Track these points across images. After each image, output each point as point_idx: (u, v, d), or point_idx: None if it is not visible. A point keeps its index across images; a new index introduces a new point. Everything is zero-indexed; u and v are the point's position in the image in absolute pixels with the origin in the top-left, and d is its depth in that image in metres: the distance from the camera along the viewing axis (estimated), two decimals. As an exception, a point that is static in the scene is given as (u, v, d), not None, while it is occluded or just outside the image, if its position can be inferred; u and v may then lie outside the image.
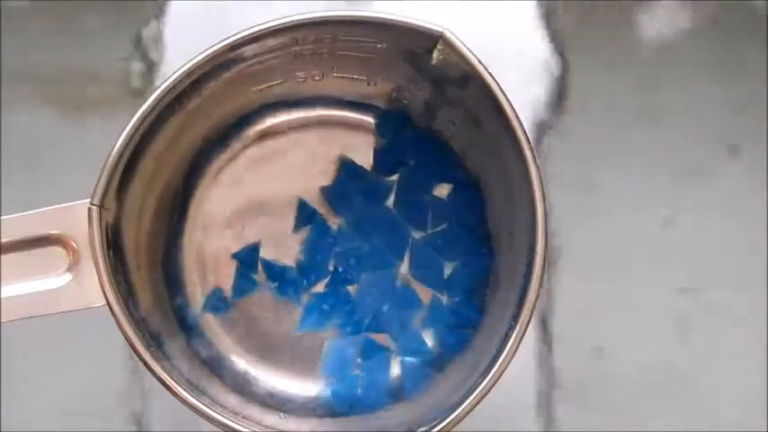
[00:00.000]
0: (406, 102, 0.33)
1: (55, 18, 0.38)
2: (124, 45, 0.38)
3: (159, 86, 0.27)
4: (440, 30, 0.27)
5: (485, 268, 0.32)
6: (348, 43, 0.29)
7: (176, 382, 0.27)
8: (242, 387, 0.32)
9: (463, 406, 0.26)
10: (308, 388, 0.33)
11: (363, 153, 0.33)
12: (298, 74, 0.32)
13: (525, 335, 0.27)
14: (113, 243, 0.27)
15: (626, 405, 0.37)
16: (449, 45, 0.27)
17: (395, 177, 0.33)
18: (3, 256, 0.27)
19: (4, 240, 0.27)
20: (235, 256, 0.33)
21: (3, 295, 0.27)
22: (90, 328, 0.35)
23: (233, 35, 0.27)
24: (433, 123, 0.33)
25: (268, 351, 0.33)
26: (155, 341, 0.28)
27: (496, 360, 0.27)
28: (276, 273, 0.33)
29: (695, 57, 0.38)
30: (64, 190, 0.28)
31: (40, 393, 0.36)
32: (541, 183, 0.27)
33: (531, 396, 0.37)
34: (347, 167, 0.33)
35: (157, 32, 0.37)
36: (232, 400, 0.30)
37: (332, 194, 0.33)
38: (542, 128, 0.38)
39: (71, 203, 0.27)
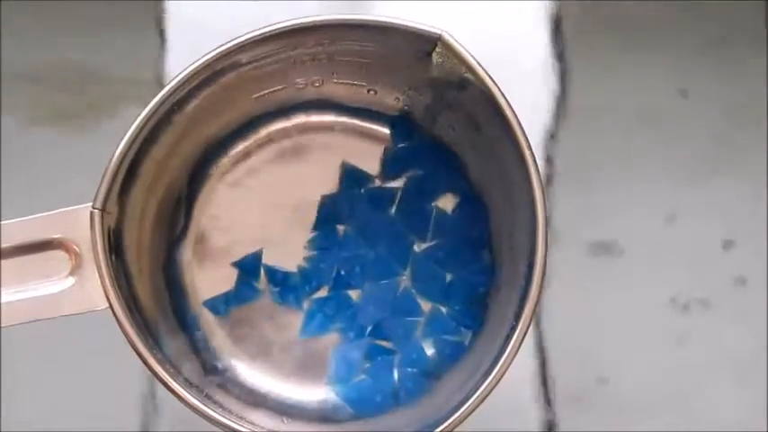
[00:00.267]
0: (407, 107, 0.33)
1: (57, 20, 0.38)
2: (128, 48, 0.38)
3: (159, 92, 0.27)
4: (438, 32, 0.27)
5: (486, 283, 0.32)
6: (347, 48, 0.30)
7: (180, 386, 0.27)
8: (243, 391, 0.32)
9: (467, 405, 0.26)
10: (310, 393, 0.32)
11: (366, 159, 0.33)
12: (297, 80, 0.32)
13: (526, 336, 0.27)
14: (115, 247, 0.28)
15: (625, 405, 0.37)
16: (447, 47, 0.28)
17: (399, 184, 0.33)
18: (5, 261, 0.27)
19: (6, 245, 0.27)
20: (236, 264, 0.33)
21: (6, 300, 0.27)
22: (94, 332, 0.35)
23: (230, 41, 0.28)
24: (433, 128, 0.33)
25: (270, 356, 0.33)
26: (157, 344, 0.28)
27: (499, 359, 0.27)
28: (278, 278, 0.33)
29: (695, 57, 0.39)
30: (65, 194, 0.28)
31: (43, 396, 0.36)
32: (541, 182, 0.27)
33: (530, 398, 0.37)
34: (350, 174, 0.33)
35: (161, 36, 0.38)
36: (234, 404, 0.30)
37: (336, 201, 0.33)
38: (541, 131, 0.38)
39: (73, 207, 0.27)
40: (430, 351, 0.32)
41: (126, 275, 0.28)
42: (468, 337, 0.32)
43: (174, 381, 0.27)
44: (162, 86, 0.27)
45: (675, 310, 0.37)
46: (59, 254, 0.27)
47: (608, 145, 0.38)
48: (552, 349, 0.37)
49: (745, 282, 0.38)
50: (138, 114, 0.27)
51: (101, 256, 0.27)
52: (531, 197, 0.27)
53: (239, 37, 0.28)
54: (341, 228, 0.33)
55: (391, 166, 0.33)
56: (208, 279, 0.33)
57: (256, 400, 0.32)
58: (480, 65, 0.28)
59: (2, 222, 0.27)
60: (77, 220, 0.27)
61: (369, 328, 0.33)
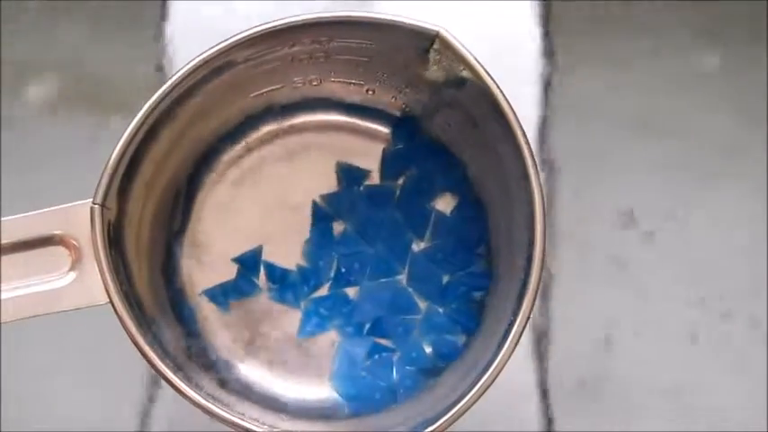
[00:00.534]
0: (405, 106, 0.33)
1: (60, 18, 0.38)
2: (129, 47, 0.38)
3: (158, 89, 0.28)
4: (436, 29, 0.28)
5: (483, 286, 0.32)
6: (344, 46, 0.30)
7: (181, 380, 0.27)
8: (242, 388, 0.32)
9: (466, 399, 0.26)
10: (310, 390, 0.33)
11: (365, 158, 0.34)
12: (295, 79, 0.32)
13: (525, 334, 0.27)
14: (115, 242, 0.28)
15: (625, 405, 0.37)
16: (445, 44, 0.28)
17: (399, 181, 0.34)
18: (6, 257, 0.27)
19: (7, 241, 0.27)
20: (236, 260, 0.33)
21: (7, 296, 0.27)
22: (94, 333, 0.35)
23: (228, 38, 0.28)
24: (431, 126, 0.33)
25: (269, 353, 0.33)
26: (156, 340, 0.28)
27: (497, 354, 0.27)
28: (277, 276, 0.33)
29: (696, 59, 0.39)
30: (65, 192, 0.28)
31: (43, 396, 0.36)
32: (538, 176, 0.27)
33: (531, 397, 0.37)
34: (346, 172, 0.33)
35: (163, 34, 0.38)
36: (233, 400, 0.30)
37: (336, 199, 0.33)
38: (540, 131, 0.38)
39: (73, 203, 0.27)
40: (428, 350, 0.32)
41: (126, 271, 0.28)
42: (465, 335, 0.32)
43: (175, 375, 0.27)
44: (162, 85, 0.28)
45: (676, 312, 0.38)
46: (60, 249, 0.27)
47: (607, 146, 0.38)
48: (553, 348, 0.37)
49: (747, 282, 0.38)
50: (138, 111, 0.27)
51: (101, 252, 0.27)
52: (529, 191, 0.27)
53: (237, 34, 0.28)
54: (340, 225, 0.33)
55: (390, 165, 0.34)
56: (206, 276, 0.33)
57: (255, 397, 0.32)
58: (478, 61, 0.28)
59: (3, 219, 0.27)
60: (77, 216, 0.27)
61: (367, 326, 0.33)
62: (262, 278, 0.33)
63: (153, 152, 0.29)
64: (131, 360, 0.34)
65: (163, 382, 0.35)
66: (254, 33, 0.28)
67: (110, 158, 0.27)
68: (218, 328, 0.33)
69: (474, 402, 0.26)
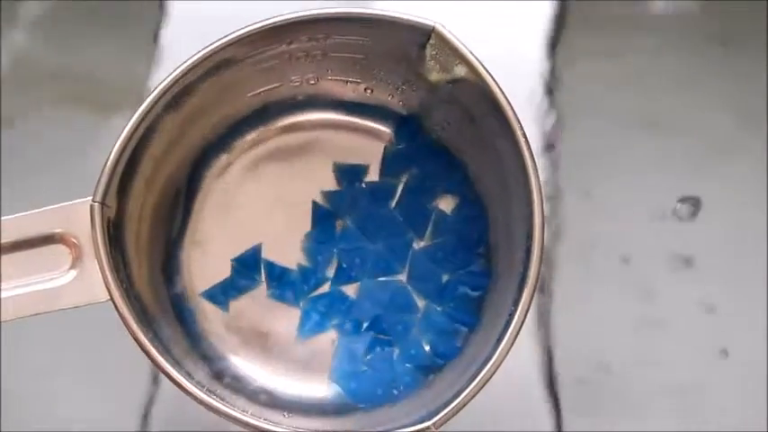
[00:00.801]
0: (401, 103, 0.33)
1: (58, 19, 0.38)
2: (130, 47, 0.38)
3: (155, 88, 0.28)
4: (431, 24, 0.28)
5: (482, 286, 0.32)
6: (341, 43, 0.30)
7: (183, 377, 0.27)
8: (244, 386, 0.32)
9: (467, 391, 0.26)
10: (311, 387, 0.33)
11: (364, 156, 0.34)
12: (293, 77, 0.32)
13: (529, 337, 0.27)
14: (115, 240, 0.28)
15: (628, 405, 0.37)
16: (441, 39, 0.28)
17: (400, 179, 0.34)
18: (7, 256, 0.27)
19: (7, 240, 0.27)
20: (235, 260, 0.33)
21: (8, 294, 0.27)
22: (94, 333, 0.35)
23: (224, 36, 0.28)
24: (428, 124, 0.33)
25: (270, 350, 0.33)
26: (157, 338, 0.28)
27: (498, 345, 0.27)
28: (276, 274, 0.33)
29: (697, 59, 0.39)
30: (65, 192, 0.28)
31: (43, 396, 0.36)
32: (536, 168, 0.27)
33: (537, 398, 0.37)
34: (343, 172, 0.34)
35: (162, 35, 0.38)
36: (235, 398, 0.30)
37: (337, 197, 0.34)
38: (541, 131, 0.38)
39: (72, 202, 0.27)
40: (427, 348, 0.33)
41: (126, 269, 0.28)
42: (465, 332, 0.32)
43: (177, 372, 0.27)
44: (158, 86, 0.28)
45: (677, 313, 0.38)
46: (60, 248, 0.28)
47: (608, 146, 0.38)
48: (559, 348, 0.37)
49: (749, 283, 0.38)
50: (137, 109, 0.27)
51: (101, 249, 0.27)
52: (527, 184, 0.27)
53: (234, 32, 0.28)
54: (340, 222, 0.33)
55: (391, 164, 0.34)
56: (206, 274, 0.33)
57: (257, 394, 0.32)
58: (474, 56, 0.28)
59: (3, 218, 0.27)
60: (77, 214, 0.27)
61: (365, 324, 0.33)
62: (261, 275, 0.33)
63: (152, 150, 0.29)
64: (131, 360, 0.35)
65: (163, 382, 0.36)
66: (251, 31, 0.28)
67: (109, 156, 0.27)
68: (219, 326, 0.33)
69: (475, 395, 0.26)
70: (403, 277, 0.33)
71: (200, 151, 0.33)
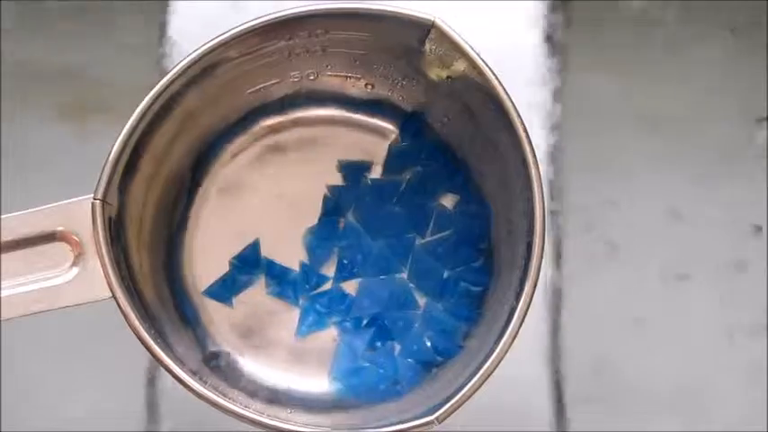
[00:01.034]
0: (401, 98, 0.33)
1: (60, 19, 0.38)
2: (131, 48, 0.38)
3: (155, 85, 0.28)
4: (431, 18, 0.28)
5: (483, 282, 0.32)
6: (340, 38, 0.30)
7: (186, 374, 0.27)
8: (247, 382, 0.32)
9: (471, 383, 0.26)
10: (314, 383, 0.33)
11: (363, 151, 0.34)
12: (292, 74, 0.32)
13: (536, 327, 0.27)
14: (116, 238, 0.28)
15: (626, 405, 0.37)
16: (440, 33, 0.28)
17: (404, 177, 0.34)
18: (9, 254, 0.27)
19: (9, 238, 0.27)
20: (235, 257, 0.33)
21: (10, 292, 0.27)
22: (94, 333, 0.35)
23: (225, 32, 0.28)
24: (428, 119, 0.33)
25: (272, 347, 0.33)
26: (160, 335, 0.28)
27: (501, 338, 0.27)
28: (276, 273, 0.33)
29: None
30: (67, 192, 0.28)
31: (43, 396, 0.36)
32: (536, 161, 0.27)
33: (543, 399, 0.37)
34: (348, 168, 0.34)
35: (166, 36, 0.38)
36: (237, 394, 0.30)
37: (341, 192, 0.34)
38: (542, 127, 0.38)
39: (74, 199, 0.27)
40: (428, 343, 0.33)
41: (128, 266, 0.28)
42: (466, 328, 0.32)
43: (181, 370, 0.27)
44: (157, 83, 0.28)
45: (679, 313, 0.38)
46: (62, 245, 0.27)
47: (611, 146, 0.38)
48: (565, 349, 0.37)
49: (750, 283, 0.38)
50: (137, 107, 0.27)
51: (103, 247, 0.27)
52: (528, 177, 0.27)
53: (233, 28, 0.28)
54: (342, 218, 0.33)
55: (394, 161, 0.34)
56: (208, 272, 0.33)
57: (260, 391, 0.32)
58: (474, 50, 0.28)
59: (5, 216, 0.27)
60: (79, 212, 0.27)
61: (365, 320, 0.33)
62: (261, 272, 0.33)
63: (152, 148, 0.29)
64: (132, 359, 0.35)
65: (164, 381, 0.36)
66: (251, 27, 0.28)
67: (110, 153, 0.27)
68: (221, 322, 0.33)
69: (477, 389, 0.26)
70: (404, 275, 0.33)
71: (200, 148, 0.33)
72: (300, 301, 0.33)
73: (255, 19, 0.28)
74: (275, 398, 0.32)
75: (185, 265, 0.33)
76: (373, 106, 0.33)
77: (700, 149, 0.38)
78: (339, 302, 0.33)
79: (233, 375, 0.32)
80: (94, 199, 0.27)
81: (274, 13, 0.28)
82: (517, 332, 0.27)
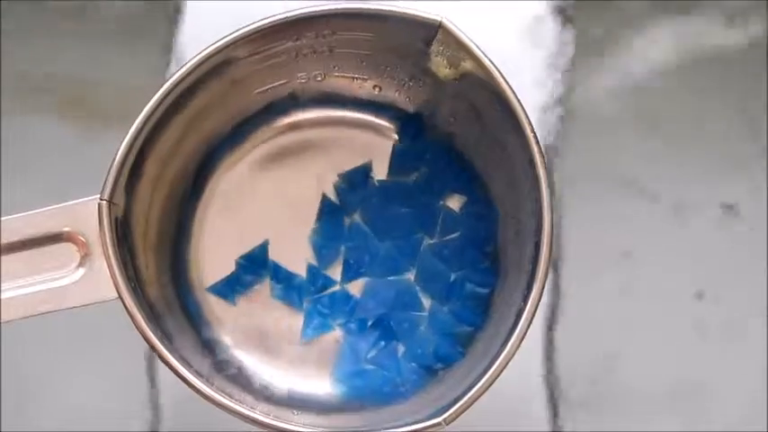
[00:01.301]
0: (408, 99, 0.33)
1: (67, 24, 0.38)
2: (138, 51, 0.38)
3: (163, 85, 0.28)
4: (438, 19, 0.28)
5: (490, 284, 0.32)
6: (348, 39, 0.30)
7: (193, 375, 0.27)
8: (252, 384, 0.32)
9: (478, 386, 0.26)
10: (318, 385, 0.32)
11: (370, 153, 0.34)
12: (299, 74, 0.32)
13: (532, 340, 0.27)
14: (123, 238, 0.28)
15: (625, 405, 0.37)
16: (447, 33, 0.28)
17: (410, 178, 0.33)
18: (15, 255, 0.27)
19: (15, 239, 0.27)
20: (242, 257, 0.33)
21: (16, 293, 0.27)
22: (94, 333, 0.35)
23: (231, 32, 0.28)
24: (435, 120, 0.33)
25: (277, 349, 0.33)
26: (166, 336, 0.28)
27: (508, 340, 0.27)
28: (282, 276, 0.33)
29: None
30: (72, 194, 0.28)
31: (43, 396, 0.36)
32: (544, 161, 0.27)
33: (539, 399, 0.37)
34: (349, 177, 0.34)
35: (173, 44, 0.38)
36: (244, 396, 0.30)
37: (347, 193, 0.33)
38: (545, 132, 0.38)
39: (80, 200, 0.27)
40: (432, 348, 0.32)
41: (134, 267, 0.28)
42: (471, 333, 0.32)
43: (187, 370, 0.27)
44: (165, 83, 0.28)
45: (681, 315, 0.38)
46: (68, 246, 0.27)
47: (614, 147, 0.38)
48: (562, 349, 0.37)
49: (750, 285, 0.38)
50: (144, 107, 0.27)
51: (109, 247, 0.27)
52: (536, 176, 0.27)
53: (240, 29, 0.28)
54: (348, 219, 0.33)
55: (399, 162, 0.34)
56: (214, 273, 0.33)
57: (265, 392, 0.32)
58: (481, 50, 0.28)
59: (11, 216, 0.27)
60: (85, 213, 0.27)
61: (370, 322, 0.33)
62: (268, 272, 0.33)
63: (159, 148, 0.29)
64: (134, 359, 0.35)
65: (165, 381, 0.35)
66: (258, 27, 0.28)
67: (116, 154, 0.27)
68: (226, 323, 0.33)
69: (485, 390, 0.26)
70: (411, 277, 0.33)
71: (207, 149, 0.33)
72: (304, 304, 0.33)
73: (263, 19, 0.28)
74: (281, 399, 0.32)
75: (191, 266, 0.33)
76: (380, 107, 0.33)
77: (700, 150, 0.38)
78: (343, 304, 0.33)
79: (238, 377, 0.32)
80: (101, 199, 0.27)
81: (282, 13, 0.28)
82: (525, 333, 0.27)
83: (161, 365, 0.35)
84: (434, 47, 0.29)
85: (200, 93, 0.29)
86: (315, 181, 0.33)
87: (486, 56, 0.28)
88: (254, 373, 0.32)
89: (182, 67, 0.28)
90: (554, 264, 0.37)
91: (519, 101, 0.28)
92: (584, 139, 0.38)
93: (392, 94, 0.33)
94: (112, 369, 0.37)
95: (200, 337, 0.32)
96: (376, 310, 0.33)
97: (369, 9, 0.28)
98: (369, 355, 0.32)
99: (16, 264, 0.27)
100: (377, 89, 0.33)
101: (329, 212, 0.33)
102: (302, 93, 0.33)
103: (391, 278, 0.33)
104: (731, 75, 0.39)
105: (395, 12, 0.28)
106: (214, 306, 0.33)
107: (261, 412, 0.27)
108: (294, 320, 0.33)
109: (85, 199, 0.27)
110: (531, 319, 0.27)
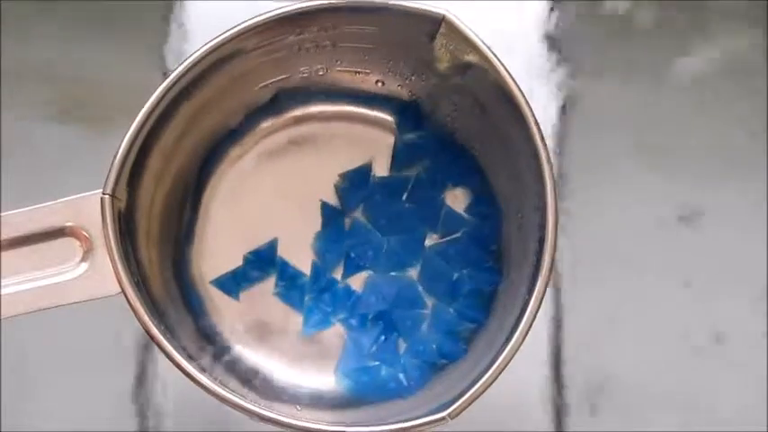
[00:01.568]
0: (411, 93, 0.33)
1: (68, 18, 0.38)
2: (138, 47, 0.38)
3: (165, 79, 0.28)
4: (442, 12, 0.28)
5: (493, 282, 0.32)
6: (351, 33, 0.30)
7: (196, 370, 0.27)
8: (255, 380, 0.32)
9: (484, 378, 0.26)
10: (322, 380, 0.32)
11: (374, 148, 0.34)
12: (302, 69, 0.32)
13: (533, 339, 0.27)
14: (126, 233, 0.28)
15: (626, 405, 0.37)
16: (451, 27, 0.28)
17: (411, 173, 0.33)
18: (18, 250, 0.27)
19: (18, 234, 0.27)
20: (251, 253, 0.33)
21: (19, 288, 0.27)
22: (95, 333, 0.35)
23: (236, 25, 0.28)
24: (438, 114, 0.33)
25: (281, 345, 0.33)
26: (169, 330, 0.28)
27: (512, 336, 0.27)
28: (288, 275, 0.33)
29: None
30: (67, 190, 0.28)
31: (43, 396, 0.36)
32: (548, 154, 0.27)
33: (542, 401, 0.37)
34: (350, 177, 0.33)
35: (169, 40, 0.38)
36: (247, 391, 0.30)
37: (349, 192, 0.33)
38: (548, 129, 0.38)
39: (82, 195, 0.27)
40: (435, 345, 0.32)
41: (137, 262, 0.28)
42: (474, 330, 0.32)
43: (189, 364, 0.27)
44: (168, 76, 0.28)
45: (682, 316, 0.37)
46: (71, 241, 0.27)
47: (616, 148, 0.38)
48: (564, 348, 0.37)
49: (751, 287, 0.38)
50: (146, 102, 0.27)
51: (112, 242, 0.27)
52: (540, 171, 0.27)
53: (243, 22, 0.28)
54: (348, 220, 0.33)
55: (401, 157, 0.33)
56: (217, 268, 0.33)
57: (268, 387, 0.32)
58: (485, 43, 0.28)
59: (14, 211, 0.27)
60: (88, 207, 0.27)
61: (370, 317, 0.33)
62: (274, 270, 0.33)
63: (161, 143, 0.29)
64: (134, 358, 0.35)
65: (165, 379, 0.35)
66: (261, 21, 0.28)
67: (119, 149, 0.27)
68: (229, 319, 0.33)
69: (490, 384, 0.26)
70: (415, 273, 0.33)
71: (209, 143, 0.33)
72: (306, 299, 0.33)
73: (266, 13, 0.28)
74: (283, 394, 0.32)
75: (194, 261, 0.33)
76: (383, 101, 0.33)
77: (700, 150, 0.38)
78: (344, 299, 0.33)
79: (241, 372, 0.32)
80: (104, 194, 0.27)
81: (285, 6, 0.28)
82: (530, 326, 0.27)
83: (158, 364, 0.35)
84: (438, 41, 0.29)
85: (203, 87, 0.29)
86: (318, 175, 0.33)
87: (489, 49, 0.28)
88: (257, 367, 0.32)
89: (183, 62, 0.28)
90: (556, 264, 0.37)
91: (523, 94, 0.28)
92: (584, 139, 0.38)
93: (395, 89, 0.33)
94: (112, 369, 0.37)
95: (203, 332, 0.32)
96: (377, 306, 0.33)
97: (373, 3, 0.28)
98: (372, 352, 0.32)
99: (19, 259, 0.27)
100: (380, 83, 0.33)
101: (330, 217, 0.33)
102: (305, 87, 0.33)
103: (394, 274, 0.33)
104: (731, 74, 0.39)
105: (398, 5, 0.28)
106: (217, 301, 0.33)
107: (264, 407, 0.27)
108: (295, 316, 0.33)
109: (88, 194, 0.27)
110: (536, 311, 0.27)
